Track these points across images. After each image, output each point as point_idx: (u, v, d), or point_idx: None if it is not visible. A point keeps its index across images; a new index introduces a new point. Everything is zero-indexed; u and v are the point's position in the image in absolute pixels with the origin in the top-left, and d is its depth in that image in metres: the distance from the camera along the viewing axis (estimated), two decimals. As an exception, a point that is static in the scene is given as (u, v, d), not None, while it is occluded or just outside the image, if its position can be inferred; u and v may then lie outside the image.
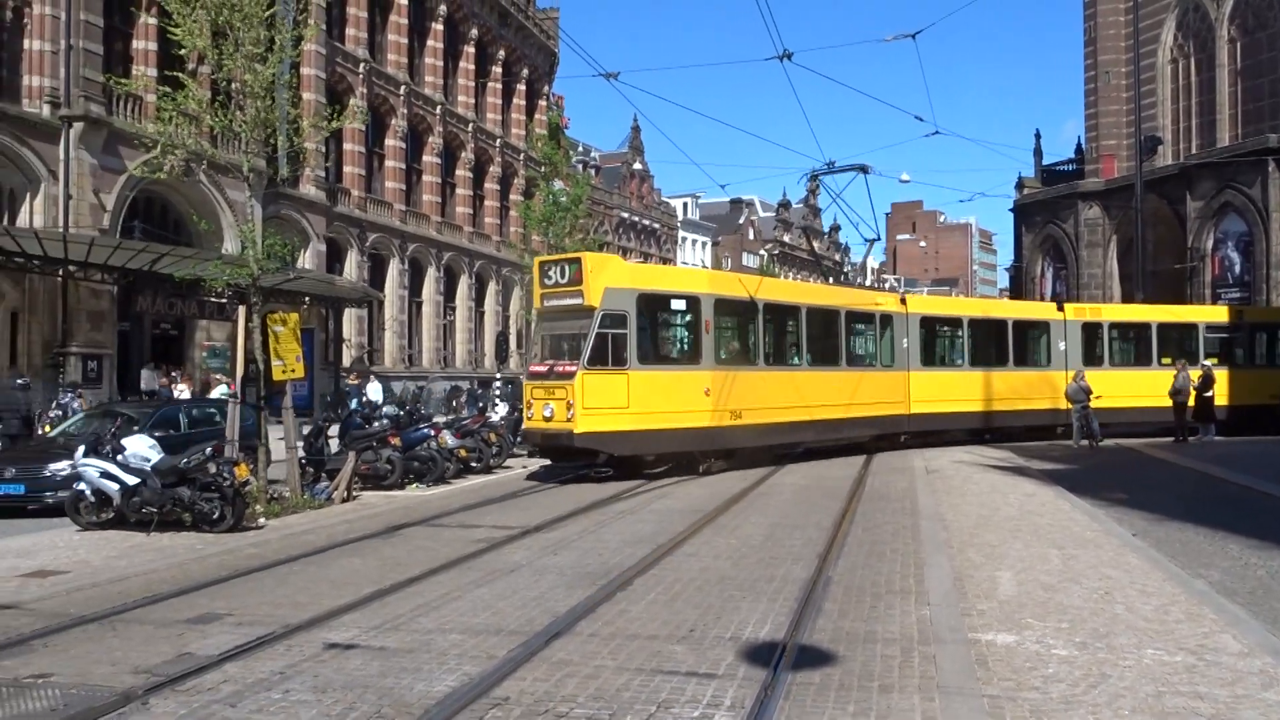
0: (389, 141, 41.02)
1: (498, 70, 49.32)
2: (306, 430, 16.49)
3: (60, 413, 20.05)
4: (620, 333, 16.63)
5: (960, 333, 25.02)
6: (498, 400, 26.95)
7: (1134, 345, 28.28)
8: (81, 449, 12.43)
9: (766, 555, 10.16)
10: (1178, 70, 47.29)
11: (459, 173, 46.21)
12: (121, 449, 12.20)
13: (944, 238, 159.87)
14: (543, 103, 54.32)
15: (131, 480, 11.86)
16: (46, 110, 26.11)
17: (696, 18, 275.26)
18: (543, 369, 17.33)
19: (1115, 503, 14.04)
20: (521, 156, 50.89)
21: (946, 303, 28.16)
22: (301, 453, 15.32)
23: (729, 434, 18.14)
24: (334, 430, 17.54)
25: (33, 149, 25.77)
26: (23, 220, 25.89)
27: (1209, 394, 25.57)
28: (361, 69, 38.11)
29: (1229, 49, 44.69)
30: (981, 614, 7.59)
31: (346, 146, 38.38)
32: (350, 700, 5.67)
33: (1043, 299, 47.75)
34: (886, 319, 23.00)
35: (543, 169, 50.51)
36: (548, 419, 16.63)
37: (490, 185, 48.94)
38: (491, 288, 48.86)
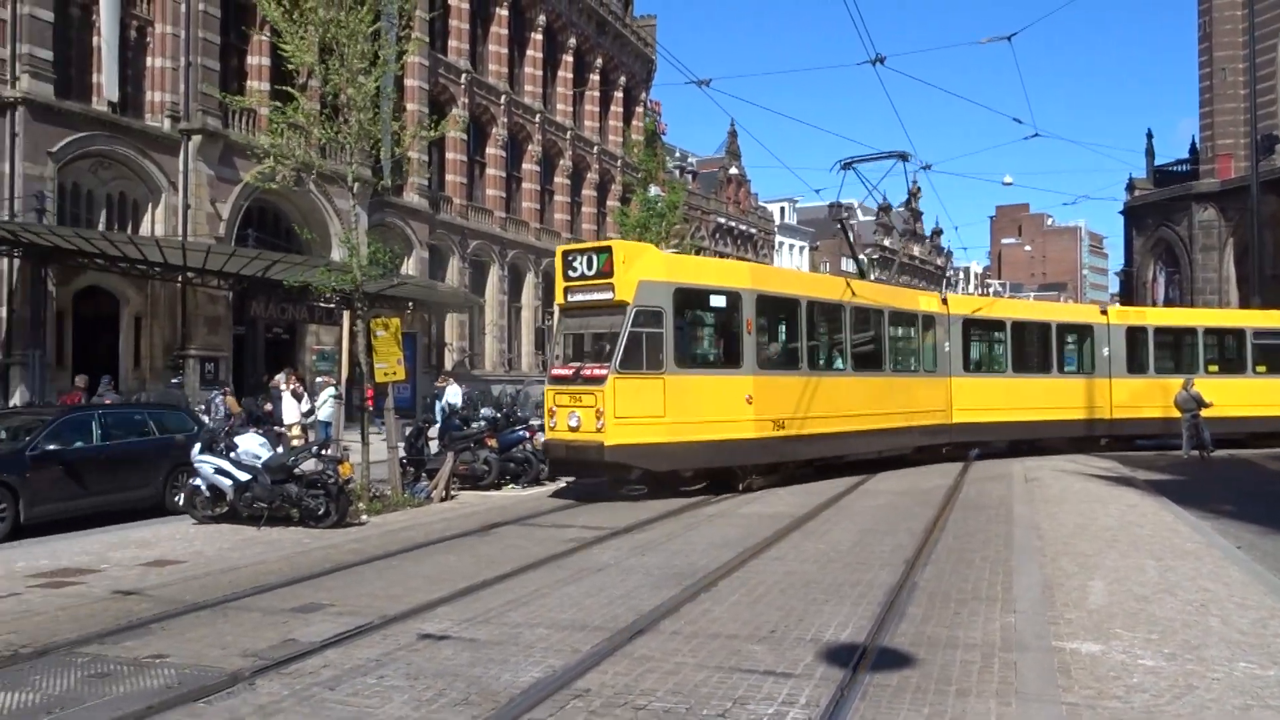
0: (489, 150, 41.89)
1: (595, 78, 49.92)
2: (408, 431, 17.04)
3: (204, 407, 21.03)
4: (656, 332, 14.80)
5: (1002, 336, 23.64)
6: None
7: (1179, 351, 26.66)
8: (198, 447, 13.13)
9: (853, 560, 10.17)
10: (1300, 65, 45.19)
11: (557, 180, 46.92)
12: (234, 446, 12.84)
13: (1051, 241, 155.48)
14: (639, 109, 54.77)
15: (243, 477, 12.48)
16: (167, 124, 27.48)
17: (789, 24, 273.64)
18: (567, 372, 15.31)
19: (1222, 514, 13.61)
20: (618, 163, 51.40)
21: (989, 303, 26.90)
22: (402, 453, 15.85)
23: (772, 447, 16.47)
24: (433, 431, 18.08)
25: (155, 161, 27.14)
26: (145, 229, 27.29)
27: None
28: (463, 79, 39.03)
29: (1356, 42, 42.55)
30: (1069, 623, 7.51)
31: (449, 155, 39.34)
32: (440, 687, 5.94)
33: (1155, 304, 46.18)
34: (929, 320, 21.60)
35: (639, 175, 51.11)
36: (574, 429, 14.66)
37: (588, 192, 49.55)
38: (588, 293, 49.38)
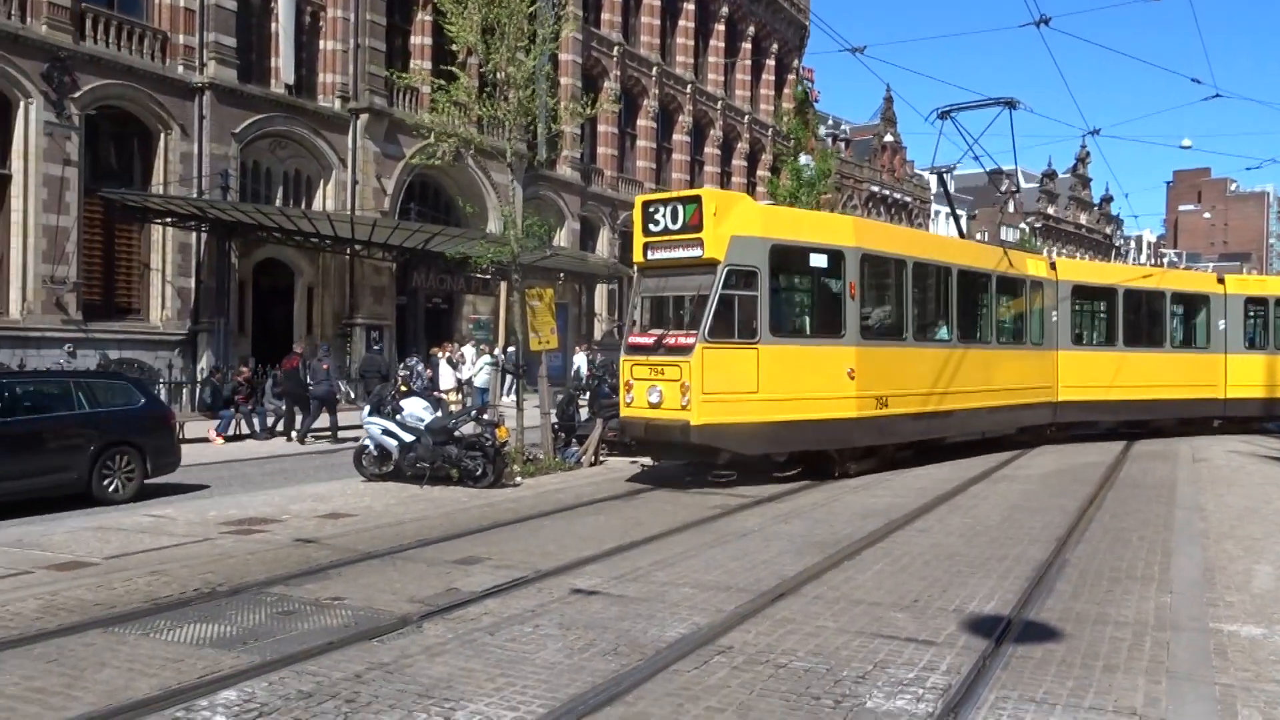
0: (640, 122, 42.25)
1: (747, 47, 49.55)
2: (559, 398, 17.62)
3: (407, 372, 22.22)
4: (749, 295, 13.15)
5: (1113, 306, 21.34)
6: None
7: None
8: (367, 409, 13.96)
9: (1001, 536, 10.05)
10: None
11: (707, 150, 46.92)
12: (400, 409, 13.59)
13: (1234, 208, 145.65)
14: (791, 77, 54.09)
15: (408, 438, 13.22)
16: (338, 104, 28.91)
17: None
18: (647, 340, 13.59)
19: None
20: (769, 132, 50.98)
21: (1099, 269, 24.61)
22: (554, 419, 16.41)
23: (874, 427, 14.71)
24: (584, 399, 18.62)
25: (326, 140, 28.62)
26: (317, 204, 28.85)
27: None
28: (615, 52, 39.44)
29: None
30: (1229, 605, 7.29)
31: (600, 128, 39.90)
32: (591, 638, 6.29)
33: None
34: (1036, 286, 19.59)
35: (790, 144, 50.58)
36: (654, 405, 13.08)
37: (738, 162, 49.39)
38: (738, 264, 49.34)
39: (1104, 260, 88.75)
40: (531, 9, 15.23)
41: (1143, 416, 21.73)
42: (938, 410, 16.08)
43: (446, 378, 24.25)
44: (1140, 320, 21.93)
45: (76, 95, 23.10)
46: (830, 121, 68.70)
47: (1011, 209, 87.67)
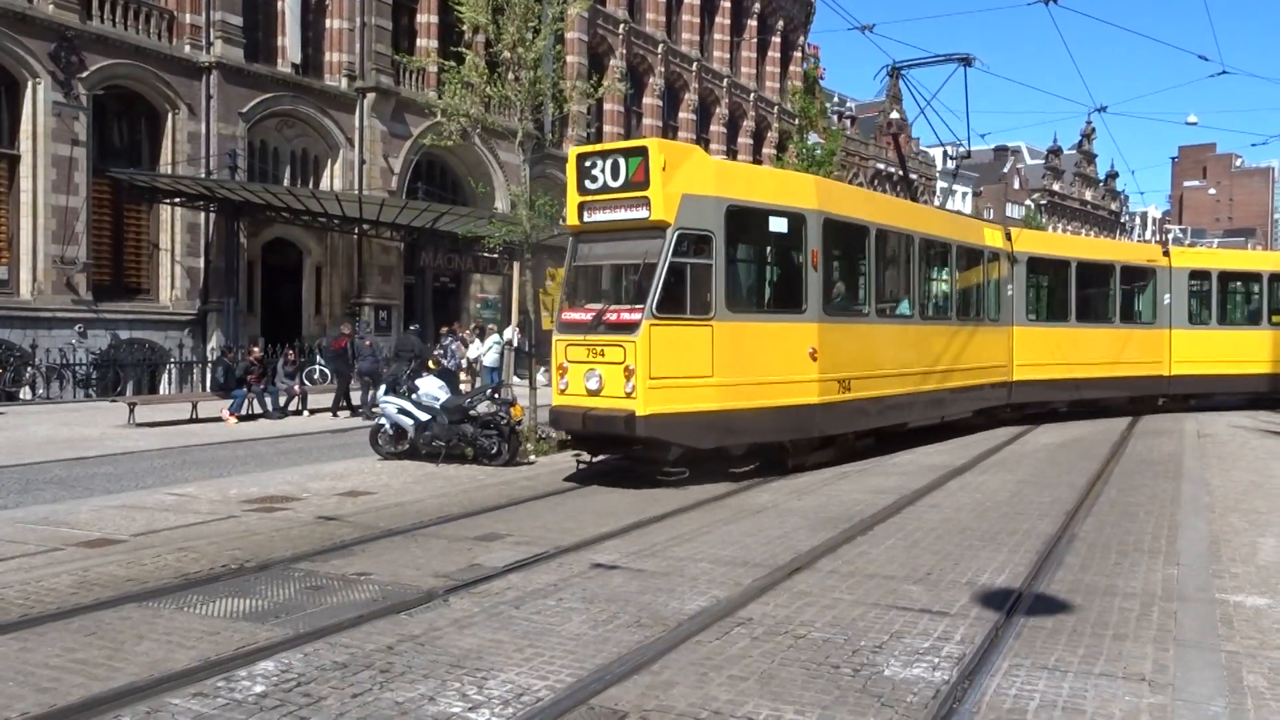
0: (646, 100, 42.18)
1: (753, 24, 49.38)
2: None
3: (441, 351, 22.43)
4: (703, 263, 11.48)
5: (1066, 279, 20.43)
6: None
7: (1249, 300, 23.94)
8: (383, 388, 14.12)
9: (1011, 510, 10.21)
10: None
11: (713, 128, 46.85)
12: (415, 389, 13.75)
13: (1240, 184, 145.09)
14: (797, 54, 53.92)
15: (424, 417, 13.38)
16: (344, 83, 28.95)
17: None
18: (584, 317, 11.80)
19: None
20: (775, 110, 50.88)
21: (1054, 240, 22.74)
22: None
23: (836, 413, 13.24)
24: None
25: (333, 119, 28.68)
26: (325, 184, 28.94)
27: None
28: (621, 30, 39.34)
29: None
30: (1234, 576, 7.44)
31: (606, 106, 39.85)
32: (613, 611, 6.46)
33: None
34: (994, 257, 18.39)
35: (796, 122, 50.49)
36: (593, 392, 11.35)
37: (744, 140, 49.31)
38: (743, 242, 49.37)
39: (1110, 237, 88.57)
40: (539, -13, 15.28)
41: (1094, 395, 20.94)
42: (899, 394, 14.85)
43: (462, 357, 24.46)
44: (1091, 294, 21.30)
45: (84, 75, 23.24)
46: (835, 99, 68.49)
47: (1017, 185, 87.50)
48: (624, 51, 39.54)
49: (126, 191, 24.40)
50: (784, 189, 13.11)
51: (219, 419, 18.98)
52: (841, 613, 6.43)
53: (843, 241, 14.16)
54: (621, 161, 11.55)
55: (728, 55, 47.39)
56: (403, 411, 13.52)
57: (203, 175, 24.98)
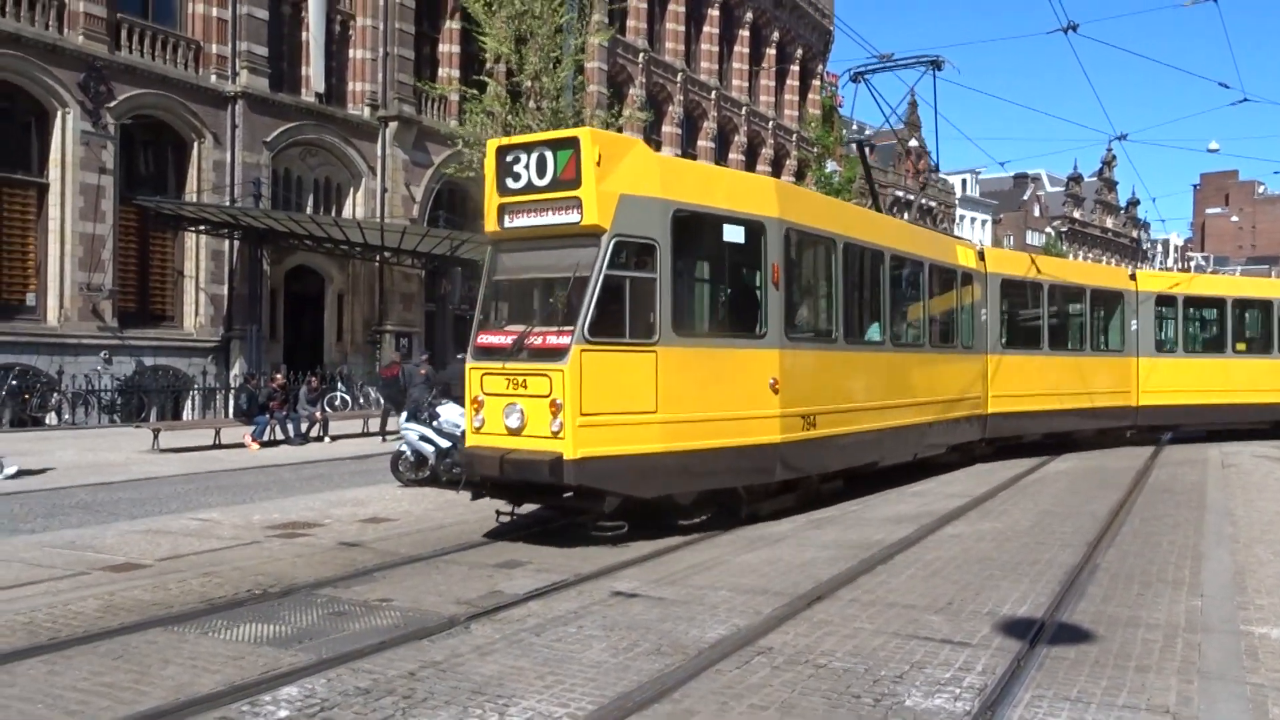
0: (665, 128, 42.47)
1: (772, 53, 49.72)
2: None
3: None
4: (645, 277, 9.79)
5: (1040, 303, 19.14)
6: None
7: (1218, 327, 22.95)
8: (404, 415, 14.22)
9: (1032, 540, 10.17)
10: None
11: (732, 156, 47.09)
12: (437, 416, 13.84)
13: (1262, 211, 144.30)
14: (816, 83, 54.20)
15: (444, 444, 13.46)
16: (367, 112, 29.32)
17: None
18: (503, 341, 9.92)
19: None
20: (794, 138, 51.11)
21: (1026, 261, 20.77)
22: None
23: (800, 453, 11.55)
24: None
25: (356, 148, 29.04)
26: (347, 211, 29.27)
27: None
28: (640, 59, 39.70)
29: None
30: (1259, 609, 7.39)
31: (625, 134, 40.15)
32: (634, 639, 6.47)
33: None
34: (967, 278, 16.97)
35: (815, 150, 50.68)
36: (513, 431, 9.57)
37: (762, 167, 49.52)
38: (762, 269, 49.51)
39: (1133, 265, 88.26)
40: (562, 20, 15.51)
41: (1067, 428, 19.80)
42: (870, 430, 13.22)
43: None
44: (1062, 320, 20.28)
45: (112, 105, 23.65)
46: (854, 126, 68.69)
47: (1037, 212, 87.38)
48: (644, 80, 39.87)
49: (153, 219, 24.77)
50: (740, 192, 11.17)
51: (242, 445, 19.13)
52: (862, 642, 6.42)
53: (807, 256, 12.52)
54: (548, 155, 9.73)
55: (746, 84, 47.71)
56: (424, 438, 13.61)
57: (227, 203, 25.31)
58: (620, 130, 36.92)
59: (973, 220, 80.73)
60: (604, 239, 9.53)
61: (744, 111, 47.12)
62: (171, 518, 11.25)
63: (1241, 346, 22.70)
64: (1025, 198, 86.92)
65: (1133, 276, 22.17)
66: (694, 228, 10.41)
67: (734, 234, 10.84)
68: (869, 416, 13.18)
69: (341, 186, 29.52)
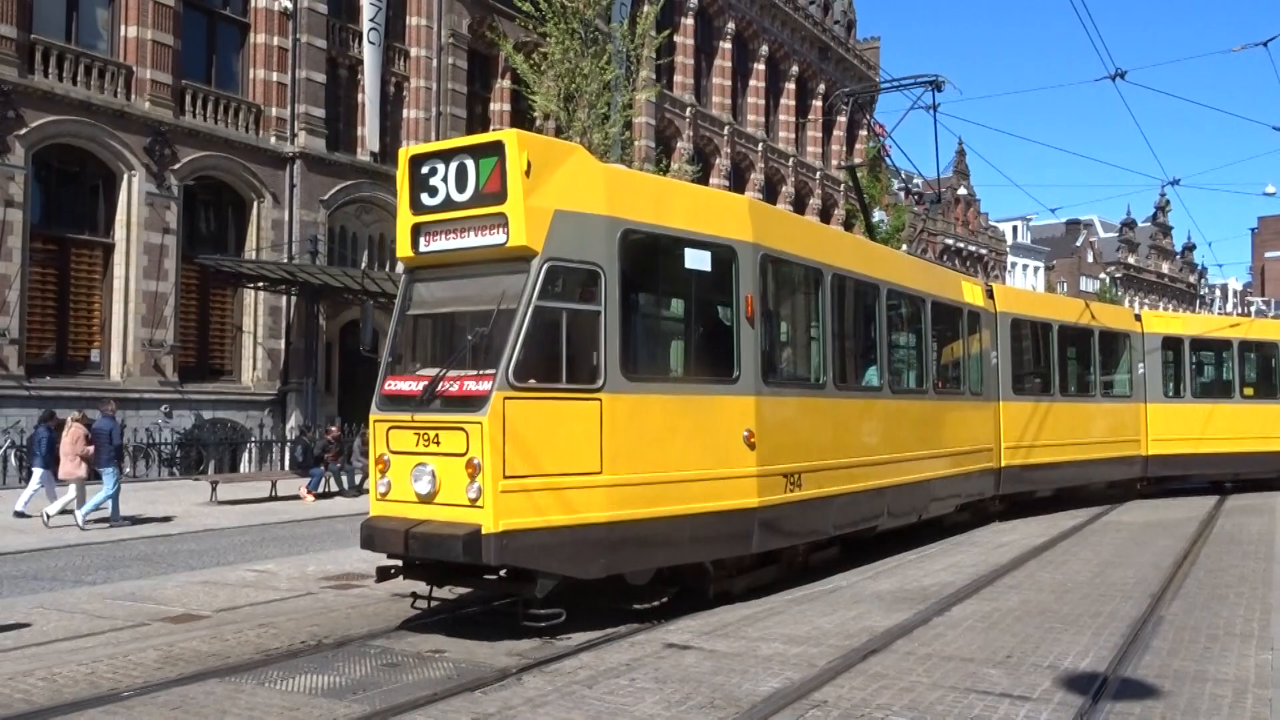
0: (713, 180, 42.78)
1: (818, 105, 50.06)
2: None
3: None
4: (587, 311, 8.26)
5: (1050, 345, 17.76)
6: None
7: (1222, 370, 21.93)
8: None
9: (1093, 592, 9.95)
10: None
11: (779, 206, 47.28)
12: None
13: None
14: (863, 133, 54.38)
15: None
16: (421, 170, 29.93)
17: (1020, 43, 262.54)
18: (413, 388, 8.29)
19: None
20: (841, 187, 51.22)
21: (1037, 300, 20.42)
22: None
23: (780, 520, 9.82)
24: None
25: (410, 204, 29.59)
26: (400, 268, 29.74)
27: None
28: (688, 113, 40.17)
29: None
30: (1334, 663, 7.14)
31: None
32: (686, 692, 6.42)
33: None
34: (975, 318, 15.42)
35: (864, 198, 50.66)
36: (424, 498, 7.92)
37: (810, 217, 49.62)
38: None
39: (1189, 311, 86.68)
40: (608, 78, 15.79)
41: (1080, 481, 18.36)
42: (867, 488, 11.54)
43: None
44: (1072, 363, 18.85)
45: (176, 167, 24.36)
46: (901, 175, 68.68)
47: (1090, 259, 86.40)
48: (691, 134, 40.30)
49: (213, 277, 25.35)
50: (706, 211, 9.60)
51: (297, 497, 19.37)
52: (919, 696, 6.31)
53: (789, 287, 11.07)
54: (469, 165, 8.18)
55: (793, 135, 48.02)
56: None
57: (285, 260, 25.88)
58: (667, 173, 37.43)
59: (1024, 267, 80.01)
60: (534, 264, 7.96)
61: (791, 162, 47.38)
62: (229, 569, 11.41)
63: (1249, 391, 21.67)
64: (1078, 244, 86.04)
65: (1138, 317, 21.21)
66: (648, 252, 9.02)
67: (698, 260, 9.32)
68: (865, 473, 11.55)
69: (395, 242, 30.05)
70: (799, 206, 48.48)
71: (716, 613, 8.88)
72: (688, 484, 8.78)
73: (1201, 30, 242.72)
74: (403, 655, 7.38)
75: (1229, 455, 20.69)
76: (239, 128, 25.96)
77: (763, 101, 45.70)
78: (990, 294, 16.41)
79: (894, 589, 10.16)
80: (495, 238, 8.11)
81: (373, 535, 8.18)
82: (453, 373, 8.05)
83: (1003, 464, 15.80)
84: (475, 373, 7.93)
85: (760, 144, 44.93)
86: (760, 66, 45.51)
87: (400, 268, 9.09)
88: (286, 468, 22.58)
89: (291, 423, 26.25)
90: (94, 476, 15.60)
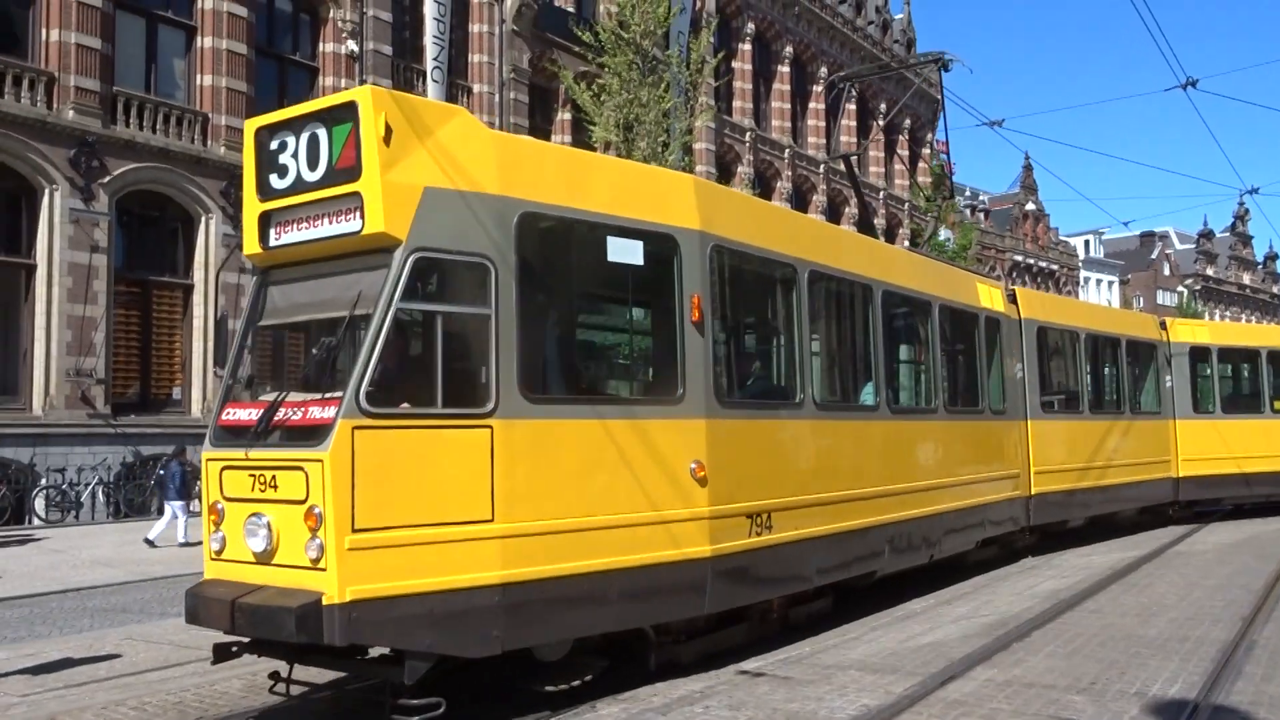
0: (775, 203, 42.75)
1: (879, 124, 49.78)
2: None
3: None
4: (472, 316, 6.70)
5: (1078, 356, 16.16)
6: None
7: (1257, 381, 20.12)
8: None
9: (1180, 615, 9.66)
10: None
11: (843, 226, 47.00)
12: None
13: None
14: (926, 151, 53.95)
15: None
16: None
17: (1085, 56, 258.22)
18: (249, 416, 6.58)
19: None
20: (905, 206, 50.82)
21: (1064, 305, 18.78)
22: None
23: (743, 570, 8.10)
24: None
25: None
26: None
27: None
28: (747, 137, 40.24)
29: None
30: None
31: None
32: (761, 719, 6.38)
33: None
34: (993, 325, 13.54)
35: (928, 218, 50.23)
36: (259, 557, 6.24)
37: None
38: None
39: (1271, 322, 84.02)
40: (667, 105, 15.91)
41: (1111, 508, 16.61)
42: (862, 526, 9.76)
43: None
44: (1100, 377, 17.29)
45: (106, 180, 22.56)
46: (967, 192, 67.98)
47: (1167, 271, 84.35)
48: (751, 158, 40.36)
49: (154, 298, 23.83)
50: (637, 192, 7.83)
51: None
52: (1000, 724, 6.19)
53: (752, 286, 9.42)
54: (322, 135, 6.49)
55: (855, 156, 47.79)
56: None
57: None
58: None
59: (1098, 282, 78.39)
60: (397, 255, 6.25)
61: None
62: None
63: None
64: (1153, 257, 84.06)
65: (1163, 325, 19.37)
66: (558, 241, 7.41)
67: (626, 251, 7.53)
68: (859, 508, 9.71)
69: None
70: (863, 228, 48.06)
71: (790, 639, 8.79)
72: (614, 531, 7.03)
73: (1274, 36, 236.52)
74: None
75: (1263, 476, 18.93)
76: (181, 138, 23.99)
77: (823, 124, 45.59)
78: (1013, 298, 14.70)
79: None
80: (350, 224, 6.40)
81: (197, 606, 6.41)
82: (295, 397, 6.32)
83: (1033, 491, 13.96)
84: (321, 396, 6.17)
85: (821, 166, 44.80)
86: (818, 89, 45.44)
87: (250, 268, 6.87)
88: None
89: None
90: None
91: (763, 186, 41.94)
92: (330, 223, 6.52)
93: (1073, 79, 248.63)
